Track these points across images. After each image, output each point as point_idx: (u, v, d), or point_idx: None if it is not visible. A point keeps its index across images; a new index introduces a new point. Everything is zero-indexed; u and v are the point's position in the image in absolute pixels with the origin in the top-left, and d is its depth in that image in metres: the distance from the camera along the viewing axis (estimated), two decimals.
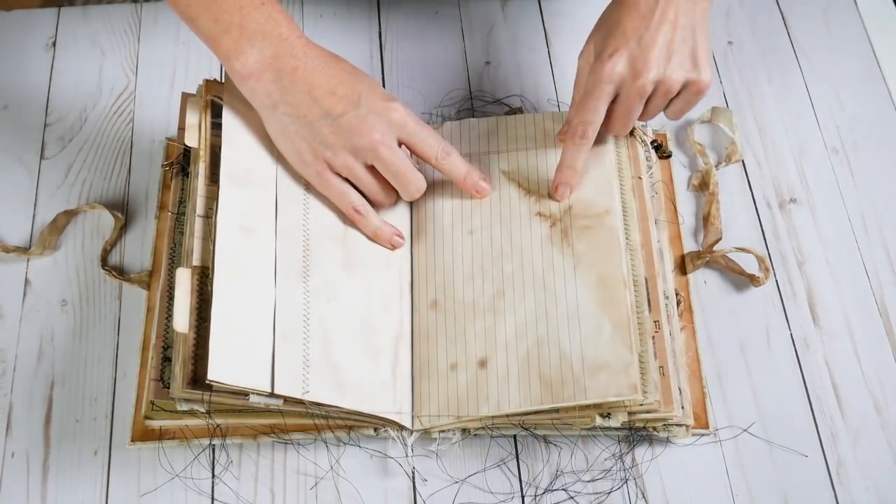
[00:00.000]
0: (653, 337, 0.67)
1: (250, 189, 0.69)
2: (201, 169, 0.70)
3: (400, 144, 0.71)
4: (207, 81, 0.73)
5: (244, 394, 0.63)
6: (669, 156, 0.81)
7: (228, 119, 0.71)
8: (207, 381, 0.61)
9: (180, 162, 0.76)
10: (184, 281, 0.65)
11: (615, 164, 0.73)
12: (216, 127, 0.71)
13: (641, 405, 0.64)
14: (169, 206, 0.75)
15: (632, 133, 0.76)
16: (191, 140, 0.71)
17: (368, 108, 0.69)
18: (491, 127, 0.78)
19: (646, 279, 0.70)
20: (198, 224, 0.68)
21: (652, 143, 0.79)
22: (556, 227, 0.72)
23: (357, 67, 0.71)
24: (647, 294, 0.69)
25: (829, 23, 0.91)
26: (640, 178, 0.75)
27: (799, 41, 0.90)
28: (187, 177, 0.74)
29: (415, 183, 0.72)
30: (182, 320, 0.64)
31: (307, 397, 0.64)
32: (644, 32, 0.67)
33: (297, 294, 0.68)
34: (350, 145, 0.69)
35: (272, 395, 0.63)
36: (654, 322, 0.69)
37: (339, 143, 0.69)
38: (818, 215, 0.80)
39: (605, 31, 0.70)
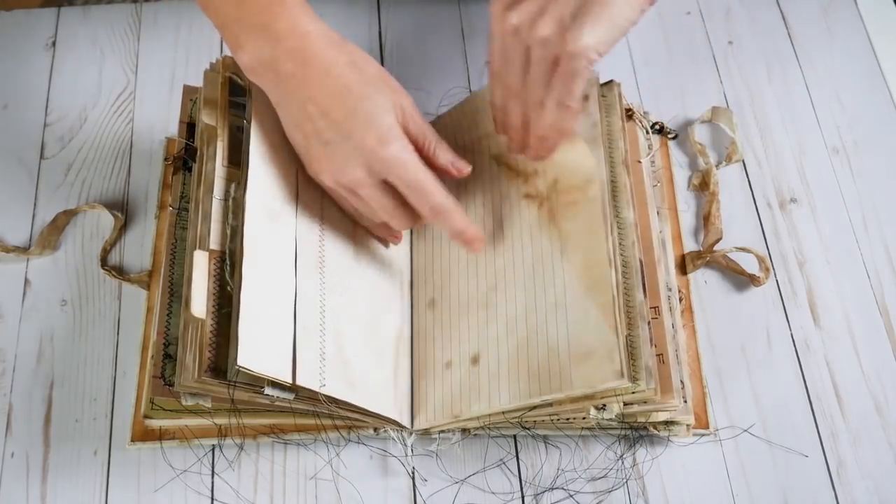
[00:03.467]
0: (649, 323, 0.65)
1: (275, 169, 0.66)
2: (219, 149, 0.66)
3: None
4: (226, 57, 0.69)
5: (260, 385, 0.61)
6: (675, 136, 0.81)
7: (258, 95, 0.67)
8: (236, 367, 0.58)
9: (182, 156, 0.74)
10: (201, 263, 0.62)
11: (600, 133, 0.70)
12: (234, 106, 0.68)
13: (634, 393, 0.62)
14: (169, 204, 0.74)
15: (631, 117, 0.76)
16: (208, 117, 0.66)
17: (356, 143, 0.62)
18: (479, 104, 0.76)
19: (641, 261, 0.67)
20: (216, 207, 0.64)
21: (653, 125, 0.78)
22: (543, 209, 0.70)
23: (370, 73, 0.64)
24: (643, 278, 0.67)
25: (829, 23, 0.91)
26: (639, 161, 0.74)
27: (799, 41, 0.90)
28: (189, 172, 0.73)
29: (397, 221, 0.67)
30: (199, 305, 0.60)
31: (324, 391, 0.63)
32: None
33: (314, 285, 0.66)
34: (334, 175, 0.65)
35: (289, 387, 0.62)
36: (654, 308, 0.67)
37: (326, 169, 0.65)
38: (818, 215, 0.80)
39: None
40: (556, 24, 0.59)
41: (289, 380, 0.61)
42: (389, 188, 0.65)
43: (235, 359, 0.58)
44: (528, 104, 0.64)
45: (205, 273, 0.61)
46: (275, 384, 0.62)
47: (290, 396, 0.63)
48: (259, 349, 0.60)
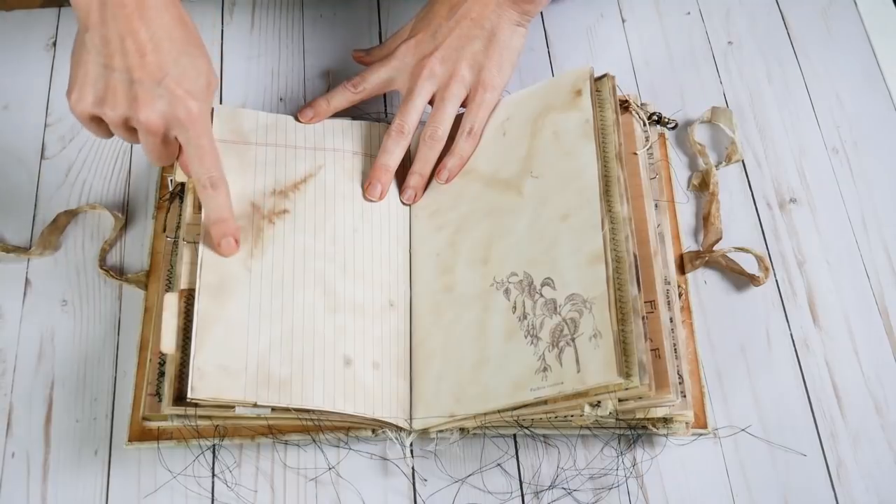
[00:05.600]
0: (643, 318, 0.64)
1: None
2: (189, 201, 0.72)
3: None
4: None
5: (231, 406, 0.64)
6: (675, 126, 0.81)
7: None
8: (188, 400, 0.63)
9: (177, 193, 0.77)
10: (171, 304, 0.67)
11: (592, 128, 0.71)
12: None
13: (627, 389, 0.62)
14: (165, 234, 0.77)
15: (627, 108, 0.76)
16: (181, 176, 0.73)
17: (166, 89, 0.63)
18: None
19: (635, 255, 0.66)
20: (186, 250, 0.70)
21: (650, 116, 0.78)
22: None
23: (195, 37, 0.66)
24: (637, 272, 0.66)
25: (829, 23, 0.91)
26: (634, 153, 0.74)
27: (799, 41, 0.90)
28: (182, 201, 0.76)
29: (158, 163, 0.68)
30: (168, 342, 0.66)
31: (294, 404, 0.65)
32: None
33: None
34: (127, 112, 0.64)
35: (257, 405, 0.64)
36: (649, 302, 0.67)
37: (120, 106, 0.64)
38: (818, 215, 0.80)
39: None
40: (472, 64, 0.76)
41: (252, 400, 0.64)
42: (171, 142, 0.67)
43: (190, 389, 0.63)
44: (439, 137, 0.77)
45: (174, 313, 0.67)
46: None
47: (266, 412, 0.65)
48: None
